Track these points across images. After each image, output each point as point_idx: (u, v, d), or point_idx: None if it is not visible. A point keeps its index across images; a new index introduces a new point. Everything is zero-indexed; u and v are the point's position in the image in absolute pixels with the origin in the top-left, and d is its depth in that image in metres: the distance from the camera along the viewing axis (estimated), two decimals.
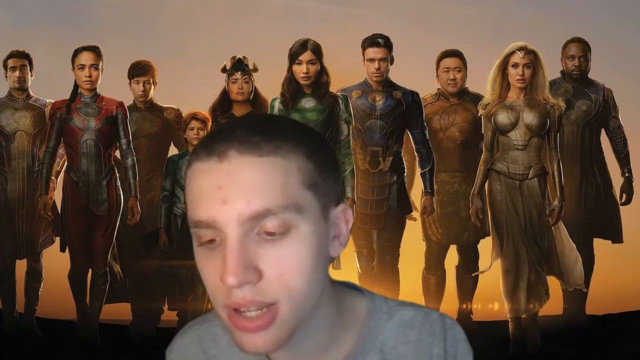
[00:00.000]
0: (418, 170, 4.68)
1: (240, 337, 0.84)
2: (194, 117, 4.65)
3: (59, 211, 4.69)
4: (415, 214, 4.82)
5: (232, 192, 0.81)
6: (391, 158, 4.51)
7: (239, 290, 0.81)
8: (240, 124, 0.86)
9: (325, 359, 0.93)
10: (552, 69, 4.66)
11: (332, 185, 0.88)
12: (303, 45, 4.25)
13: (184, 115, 4.84)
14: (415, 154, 4.64)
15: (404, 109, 4.53)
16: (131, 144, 4.65)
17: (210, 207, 0.82)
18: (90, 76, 4.50)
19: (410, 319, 0.96)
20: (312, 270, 0.84)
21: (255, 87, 4.69)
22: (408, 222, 4.75)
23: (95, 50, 4.54)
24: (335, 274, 0.94)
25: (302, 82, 4.27)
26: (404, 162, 4.63)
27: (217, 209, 0.81)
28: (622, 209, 5.06)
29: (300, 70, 4.24)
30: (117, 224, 4.61)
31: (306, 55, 4.23)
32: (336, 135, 4.28)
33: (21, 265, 5.01)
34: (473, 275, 4.89)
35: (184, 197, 0.90)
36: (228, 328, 0.85)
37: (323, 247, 0.87)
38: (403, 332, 0.96)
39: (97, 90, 4.59)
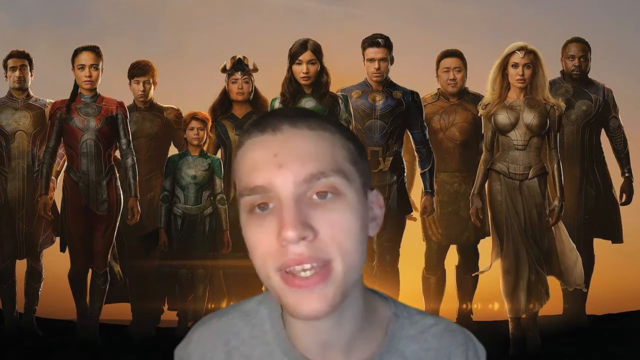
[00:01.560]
0: (418, 170, 4.68)
1: (296, 298, 0.86)
2: (194, 117, 4.65)
3: (59, 211, 4.69)
4: (415, 214, 4.82)
5: (287, 157, 0.87)
6: (391, 158, 4.51)
7: (295, 246, 0.84)
8: (283, 110, 0.92)
9: (352, 358, 0.95)
10: (552, 69, 4.66)
11: (367, 170, 0.95)
12: (303, 45, 4.25)
13: (184, 115, 4.84)
14: (415, 154, 4.64)
15: (404, 109, 4.53)
16: (131, 144, 4.65)
17: (267, 172, 0.87)
18: (90, 76, 4.50)
19: (431, 327, 1.00)
20: (360, 238, 0.89)
21: (255, 87, 4.69)
22: (408, 222, 4.75)
23: (95, 50, 4.53)
24: None
25: (302, 82, 4.27)
26: (404, 162, 4.63)
27: (274, 173, 0.87)
28: (622, 209, 5.06)
29: (300, 70, 4.24)
30: (117, 224, 4.61)
31: (306, 55, 4.23)
32: None
33: (21, 265, 5.00)
34: (473, 275, 4.89)
35: (232, 175, 0.95)
36: (280, 293, 0.87)
37: (366, 223, 0.91)
38: (425, 338, 0.99)
39: (97, 90, 4.59)
